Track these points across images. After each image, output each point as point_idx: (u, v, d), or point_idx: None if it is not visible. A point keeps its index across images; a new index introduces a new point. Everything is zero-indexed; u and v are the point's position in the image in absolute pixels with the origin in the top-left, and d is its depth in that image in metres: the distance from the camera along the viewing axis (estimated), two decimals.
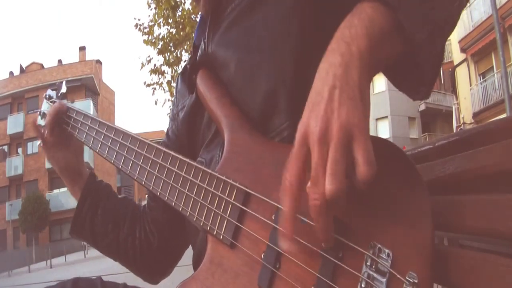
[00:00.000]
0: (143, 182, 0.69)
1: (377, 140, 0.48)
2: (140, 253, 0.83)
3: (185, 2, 7.12)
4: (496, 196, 0.43)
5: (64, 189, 26.81)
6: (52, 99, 0.98)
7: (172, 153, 0.66)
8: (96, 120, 0.83)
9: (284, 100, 0.61)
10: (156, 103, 7.96)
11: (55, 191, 27.14)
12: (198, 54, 0.75)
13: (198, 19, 0.81)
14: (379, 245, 0.43)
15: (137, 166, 0.71)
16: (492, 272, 0.39)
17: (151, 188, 0.68)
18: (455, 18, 0.53)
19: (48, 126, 0.87)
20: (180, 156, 0.65)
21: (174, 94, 0.91)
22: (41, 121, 0.96)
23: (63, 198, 26.48)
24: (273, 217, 0.52)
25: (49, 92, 1.00)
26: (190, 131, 0.78)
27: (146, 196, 0.88)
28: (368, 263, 0.43)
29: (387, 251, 0.43)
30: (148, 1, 7.37)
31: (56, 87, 1.01)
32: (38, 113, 0.99)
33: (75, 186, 0.88)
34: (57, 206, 25.84)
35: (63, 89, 0.99)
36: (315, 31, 0.62)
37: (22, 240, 25.94)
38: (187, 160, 0.63)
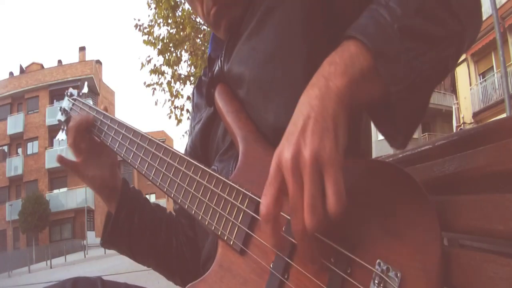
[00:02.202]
0: (158, 184, 0.71)
1: (384, 165, 0.49)
2: (176, 260, 0.85)
3: (185, 2, 7.12)
4: (496, 196, 0.43)
5: (64, 189, 26.89)
6: (73, 97, 1.00)
7: (188, 158, 0.67)
8: (117, 121, 0.83)
9: None
10: (156, 103, 7.94)
11: (55, 191, 27.17)
12: (216, 70, 0.76)
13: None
14: (388, 265, 0.44)
15: (153, 168, 0.72)
16: (492, 272, 0.39)
17: (165, 190, 0.69)
18: (448, 65, 0.50)
19: (73, 144, 0.82)
20: (195, 162, 0.66)
21: (191, 108, 0.92)
22: (61, 117, 1.01)
23: (63, 198, 26.51)
24: (284, 228, 0.52)
25: (71, 90, 1.03)
26: (204, 142, 0.79)
27: (174, 206, 0.88)
28: (376, 281, 0.44)
29: (396, 270, 0.43)
30: (148, 1, 7.37)
31: (77, 86, 1.04)
32: (59, 108, 1.03)
33: (113, 202, 0.84)
34: (57, 206, 25.86)
35: (85, 89, 1.02)
36: (326, 47, 0.62)
37: (22, 241, 25.95)
38: (202, 166, 0.64)
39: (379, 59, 0.46)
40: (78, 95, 1.00)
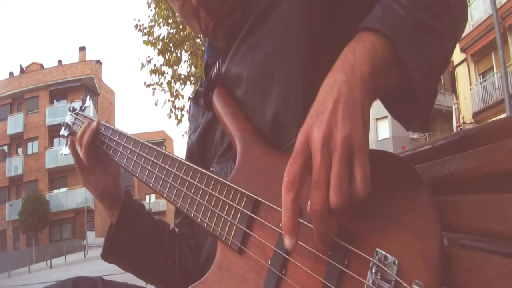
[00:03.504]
0: (158, 190, 0.71)
1: (383, 154, 0.49)
2: (179, 275, 0.83)
3: None
4: (496, 196, 0.43)
5: (64, 189, 26.90)
6: (76, 111, 1.01)
7: (187, 162, 0.68)
8: (118, 132, 0.83)
9: (293, 116, 0.62)
10: (156, 103, 7.94)
11: (55, 191, 27.16)
12: (214, 73, 0.76)
13: None
14: (385, 253, 0.44)
15: (153, 175, 0.73)
16: (492, 272, 0.39)
17: (165, 195, 0.70)
18: (449, 58, 0.56)
19: (84, 149, 0.83)
20: (193, 166, 0.66)
21: (188, 119, 0.93)
22: (64, 132, 1.03)
23: (63, 198, 26.51)
24: (280, 225, 0.52)
25: (73, 104, 1.05)
26: (202, 147, 0.79)
27: (174, 220, 0.88)
28: (374, 270, 0.44)
29: (393, 259, 0.43)
30: (148, 2, 7.37)
31: (80, 100, 1.05)
32: (61, 124, 1.05)
33: (115, 210, 0.83)
34: (57, 206, 25.86)
35: (87, 103, 1.04)
36: (323, 45, 0.63)
37: (22, 241, 25.94)
38: (200, 169, 0.65)
39: (399, 47, 0.48)
40: (80, 109, 1.02)
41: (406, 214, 0.45)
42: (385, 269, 0.43)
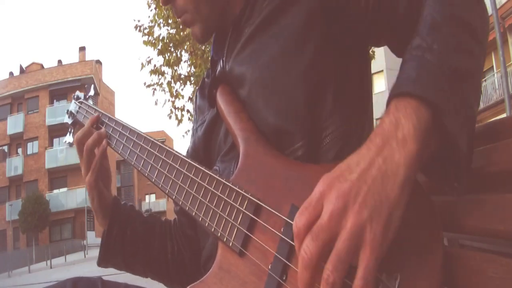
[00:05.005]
0: (160, 186, 0.71)
1: None
2: (173, 267, 0.84)
3: None
4: (496, 196, 0.43)
5: (64, 189, 26.89)
6: (80, 100, 1.02)
7: (189, 160, 0.67)
8: (121, 124, 0.84)
9: (296, 120, 0.61)
10: (156, 103, 7.94)
11: (55, 191, 27.16)
12: (218, 70, 0.76)
13: None
14: (387, 267, 0.43)
15: (155, 170, 0.73)
16: (492, 272, 0.39)
17: (167, 191, 0.70)
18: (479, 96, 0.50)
19: (101, 155, 0.82)
20: (196, 164, 0.66)
21: (194, 110, 0.92)
22: (68, 120, 1.04)
23: (63, 198, 26.51)
24: (282, 230, 0.52)
25: (77, 93, 1.05)
26: (207, 144, 0.79)
27: (174, 208, 0.88)
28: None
29: (394, 272, 0.43)
30: (148, 2, 7.36)
31: (84, 89, 1.06)
32: (66, 111, 1.05)
33: (106, 217, 0.83)
34: (57, 206, 25.86)
35: (91, 92, 1.04)
36: (328, 49, 0.63)
37: (22, 241, 25.95)
38: (203, 168, 0.65)
39: (442, 112, 0.42)
40: (85, 98, 1.02)
41: (409, 228, 0.44)
42: (386, 283, 0.43)
